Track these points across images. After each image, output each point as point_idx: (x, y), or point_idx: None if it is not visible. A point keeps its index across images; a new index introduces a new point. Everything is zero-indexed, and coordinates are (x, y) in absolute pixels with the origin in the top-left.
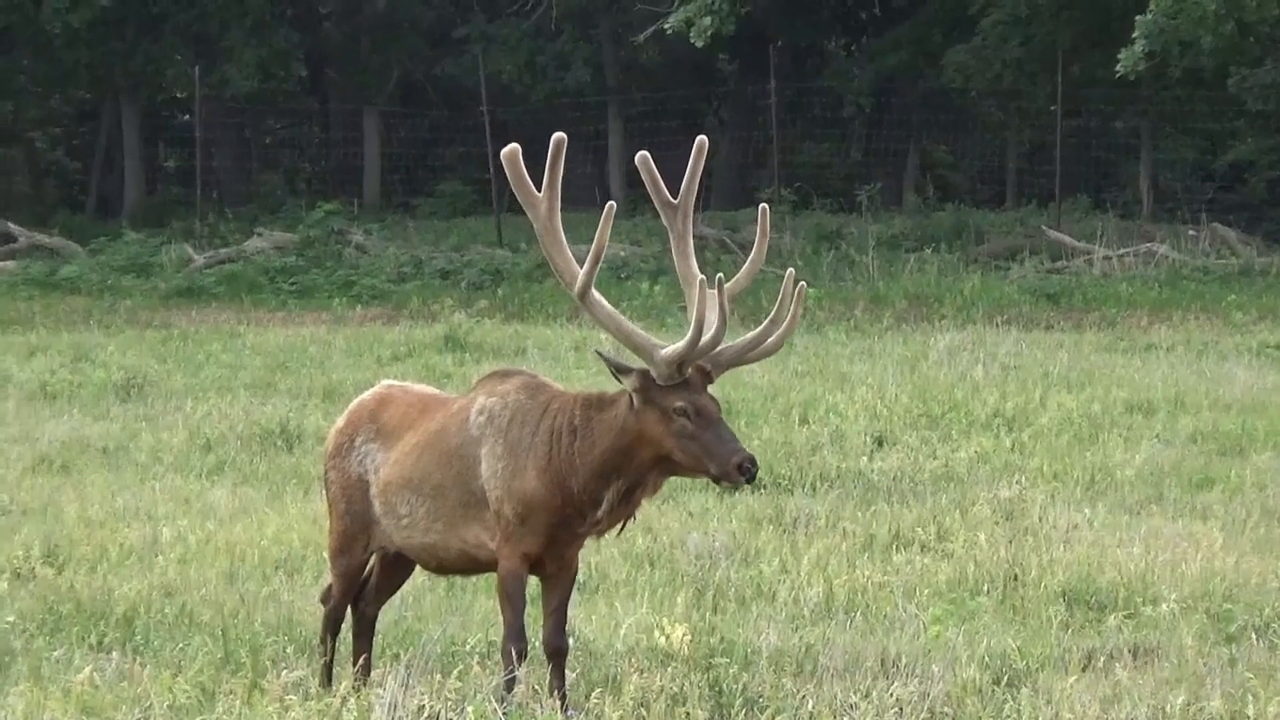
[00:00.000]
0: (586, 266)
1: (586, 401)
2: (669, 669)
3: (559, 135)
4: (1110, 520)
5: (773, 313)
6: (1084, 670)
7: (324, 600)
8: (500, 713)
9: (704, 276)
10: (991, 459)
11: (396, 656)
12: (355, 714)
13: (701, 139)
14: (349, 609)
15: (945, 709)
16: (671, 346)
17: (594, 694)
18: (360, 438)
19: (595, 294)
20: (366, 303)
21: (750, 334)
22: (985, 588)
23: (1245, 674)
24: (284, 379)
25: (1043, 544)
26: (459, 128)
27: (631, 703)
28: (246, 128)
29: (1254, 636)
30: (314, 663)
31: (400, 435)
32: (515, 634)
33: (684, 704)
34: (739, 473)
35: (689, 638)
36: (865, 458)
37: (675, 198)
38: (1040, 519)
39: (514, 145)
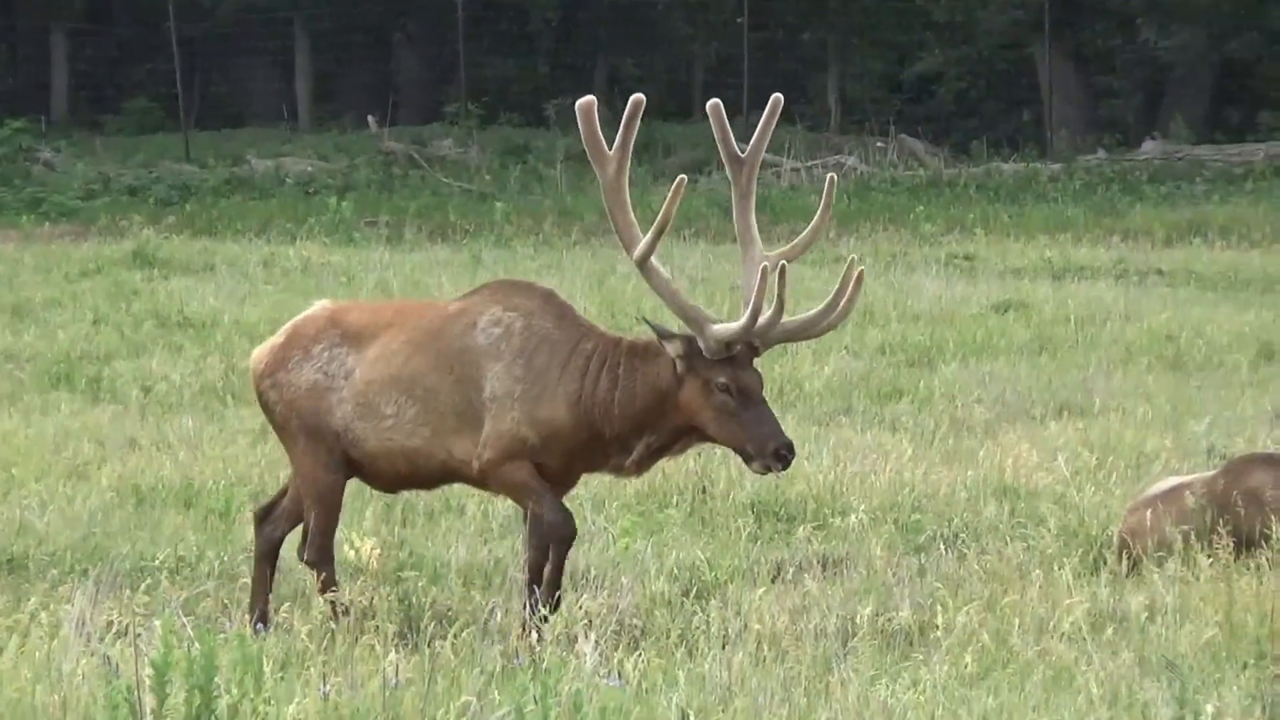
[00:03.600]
0: (649, 237)
1: (632, 349)
2: (359, 583)
3: (638, 96)
4: (799, 432)
5: (830, 296)
6: (773, 581)
7: (309, 560)
8: (188, 626)
9: (767, 262)
10: None
11: (85, 572)
12: (44, 629)
13: (776, 97)
14: (254, 532)
15: (634, 621)
16: (725, 325)
17: (283, 608)
18: (320, 345)
19: (654, 261)
20: (55, 220)
21: (805, 315)
22: (674, 500)
23: (934, 584)
24: None
25: (731, 456)
26: (147, 45)
27: (321, 616)
28: None
29: (942, 547)
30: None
31: (376, 335)
32: (553, 508)
33: (373, 617)
34: (775, 459)
35: (378, 551)
36: None
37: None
38: None
39: (590, 98)
